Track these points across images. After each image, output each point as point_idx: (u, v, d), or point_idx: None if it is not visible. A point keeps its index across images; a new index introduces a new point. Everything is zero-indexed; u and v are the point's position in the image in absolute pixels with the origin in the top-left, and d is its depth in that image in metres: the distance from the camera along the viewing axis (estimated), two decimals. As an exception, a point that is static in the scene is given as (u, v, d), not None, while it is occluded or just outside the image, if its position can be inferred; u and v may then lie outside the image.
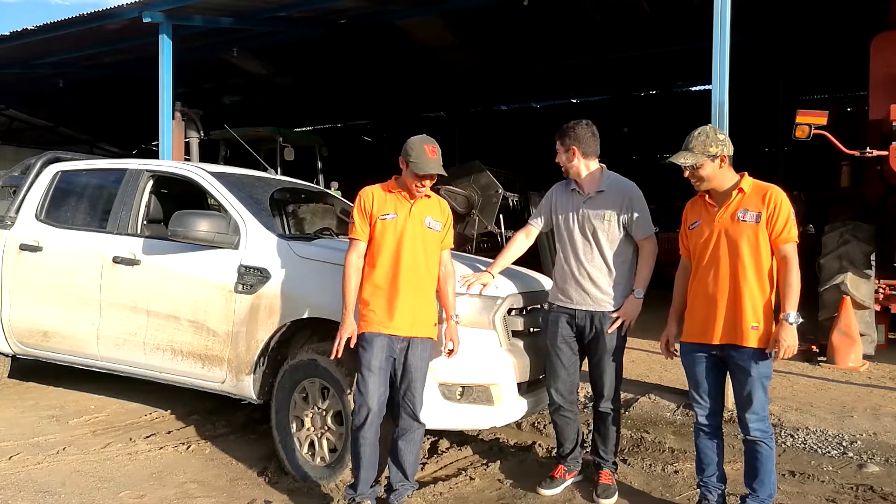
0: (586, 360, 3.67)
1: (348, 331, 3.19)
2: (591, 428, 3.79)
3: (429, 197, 3.38)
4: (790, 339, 2.99)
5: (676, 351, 3.39)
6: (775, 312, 3.08)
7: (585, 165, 3.56)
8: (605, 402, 3.60)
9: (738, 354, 3.09)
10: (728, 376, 3.24)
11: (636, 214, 3.53)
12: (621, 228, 3.53)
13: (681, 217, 3.38)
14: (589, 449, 3.88)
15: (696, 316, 3.21)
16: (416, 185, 3.25)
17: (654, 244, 3.59)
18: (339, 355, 3.22)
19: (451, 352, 3.38)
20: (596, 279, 3.51)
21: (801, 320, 3.02)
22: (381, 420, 3.23)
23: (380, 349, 3.19)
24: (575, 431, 3.68)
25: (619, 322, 3.50)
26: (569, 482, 3.69)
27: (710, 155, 3.08)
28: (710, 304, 3.12)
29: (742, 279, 3.05)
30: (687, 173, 3.15)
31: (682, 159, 3.09)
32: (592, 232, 3.51)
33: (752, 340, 3.05)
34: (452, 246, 3.53)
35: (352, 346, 3.20)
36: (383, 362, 3.20)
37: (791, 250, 3.06)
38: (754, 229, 3.06)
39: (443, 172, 3.28)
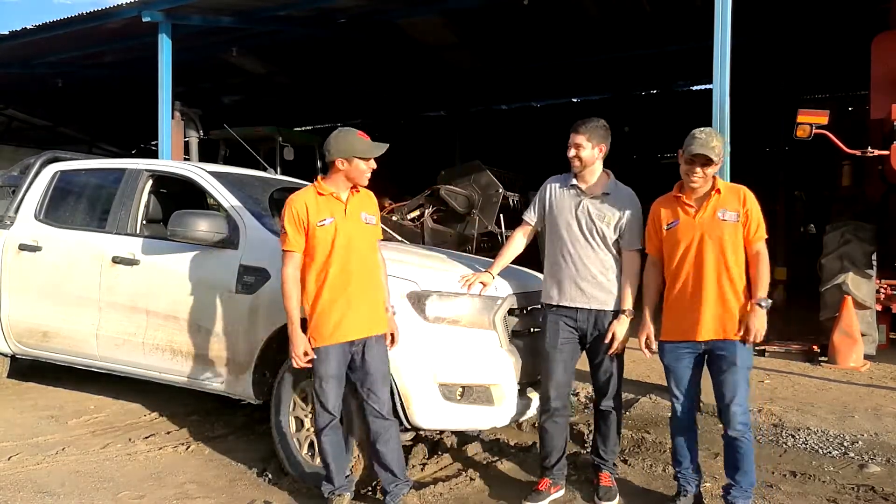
0: (585, 360, 3.63)
1: (300, 347, 3.15)
2: (592, 428, 3.76)
3: (358, 192, 3.36)
4: (760, 324, 3.16)
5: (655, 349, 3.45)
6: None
7: (601, 166, 3.56)
8: (608, 399, 3.58)
9: (725, 348, 3.20)
10: (706, 372, 3.34)
11: (634, 225, 3.51)
12: (616, 234, 3.49)
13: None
14: (589, 450, 3.86)
15: (678, 315, 3.28)
16: (365, 174, 3.27)
17: (640, 259, 3.52)
18: (305, 366, 3.20)
19: (392, 342, 3.38)
20: (598, 278, 3.47)
21: (770, 303, 3.22)
22: (340, 414, 3.29)
23: (336, 360, 3.20)
24: (563, 440, 3.59)
25: (614, 348, 3.46)
26: (554, 496, 3.55)
27: (720, 158, 3.26)
28: (696, 303, 3.22)
29: (726, 276, 3.20)
30: (697, 169, 3.19)
31: (712, 154, 3.16)
32: (593, 231, 3.47)
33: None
34: (381, 237, 3.53)
35: (308, 360, 3.17)
36: (339, 368, 3.22)
37: (763, 246, 3.26)
38: (735, 228, 3.22)
39: (386, 144, 3.29)
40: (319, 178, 3.31)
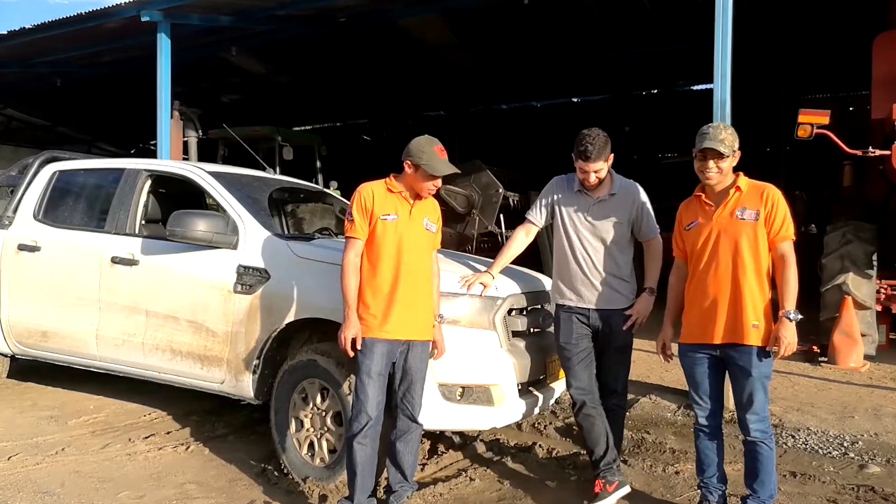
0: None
1: (352, 331, 3.12)
2: None
3: (426, 197, 3.36)
4: (790, 337, 3.01)
5: (673, 354, 3.38)
6: (774, 311, 3.08)
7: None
8: (616, 397, 3.61)
9: (738, 354, 3.07)
10: (727, 377, 3.23)
11: (645, 216, 3.56)
12: (629, 230, 3.55)
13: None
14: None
15: (694, 316, 3.19)
16: (429, 188, 3.25)
17: (660, 243, 3.61)
18: (351, 355, 3.15)
19: (437, 353, 3.36)
20: (608, 279, 3.51)
21: (800, 317, 3.04)
22: (380, 427, 3.20)
23: (380, 355, 3.15)
24: (603, 433, 3.50)
25: (633, 320, 3.52)
26: (615, 495, 3.42)
27: (734, 150, 3.09)
28: (710, 304, 3.11)
29: (742, 277, 3.04)
30: (710, 164, 3.08)
31: (722, 147, 3.04)
32: (604, 234, 3.50)
33: (752, 339, 3.04)
34: (439, 246, 3.51)
35: (358, 346, 3.13)
36: (383, 368, 3.17)
37: (789, 248, 3.08)
38: (753, 227, 3.05)
39: (456, 170, 3.28)
40: (392, 175, 3.30)
